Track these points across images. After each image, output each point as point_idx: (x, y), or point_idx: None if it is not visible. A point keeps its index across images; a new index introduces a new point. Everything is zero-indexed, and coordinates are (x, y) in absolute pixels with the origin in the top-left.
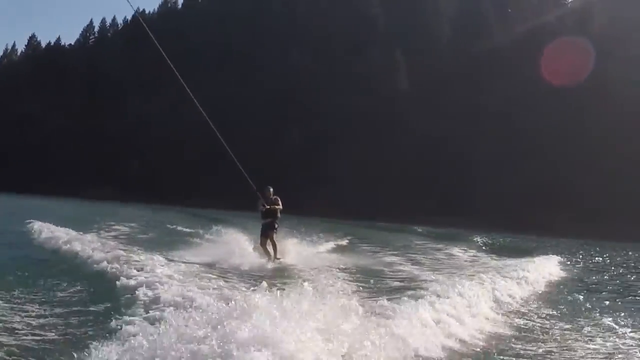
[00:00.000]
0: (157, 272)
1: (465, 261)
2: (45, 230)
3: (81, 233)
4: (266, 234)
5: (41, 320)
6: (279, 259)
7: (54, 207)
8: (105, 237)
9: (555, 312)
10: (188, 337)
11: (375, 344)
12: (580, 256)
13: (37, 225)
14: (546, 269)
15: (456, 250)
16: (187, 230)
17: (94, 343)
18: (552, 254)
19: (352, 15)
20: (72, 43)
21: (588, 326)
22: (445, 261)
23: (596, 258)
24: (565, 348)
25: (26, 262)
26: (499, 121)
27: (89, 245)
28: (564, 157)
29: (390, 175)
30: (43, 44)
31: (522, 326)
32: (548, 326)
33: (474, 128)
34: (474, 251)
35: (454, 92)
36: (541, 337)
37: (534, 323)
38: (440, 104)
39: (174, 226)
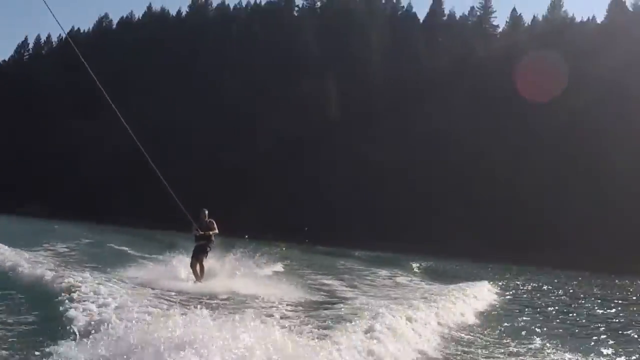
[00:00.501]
0: (91, 291)
1: (404, 286)
2: None
3: (18, 249)
4: (197, 256)
5: None
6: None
7: None
8: (44, 254)
9: (490, 336)
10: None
11: None
12: (506, 281)
13: None
14: (479, 293)
15: (395, 276)
16: (128, 250)
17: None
18: (481, 279)
19: (284, 44)
20: (6, 59)
21: (519, 347)
22: (386, 286)
23: (522, 283)
24: None
25: None
26: (428, 147)
27: (25, 262)
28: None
29: (324, 200)
30: None
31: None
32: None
33: (406, 154)
34: (411, 276)
35: (386, 119)
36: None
37: (469, 346)
38: (372, 131)
39: (113, 245)
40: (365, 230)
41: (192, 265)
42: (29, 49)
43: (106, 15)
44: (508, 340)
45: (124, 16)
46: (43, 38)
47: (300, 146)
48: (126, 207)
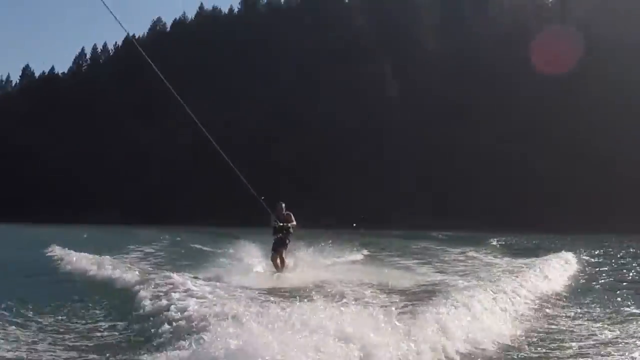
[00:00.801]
0: (188, 291)
1: (486, 264)
2: (68, 256)
3: (105, 256)
4: (277, 249)
5: (80, 347)
6: (288, 269)
7: (64, 233)
8: (129, 259)
9: (580, 309)
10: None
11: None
12: (591, 251)
13: (58, 250)
14: (562, 266)
15: (476, 253)
16: (206, 249)
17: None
18: (564, 251)
19: (337, 28)
20: (65, 71)
21: (614, 319)
22: (467, 264)
23: (607, 251)
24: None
25: (56, 289)
26: (491, 121)
27: (117, 268)
28: (559, 154)
29: (390, 182)
30: (36, 74)
31: (550, 326)
32: (577, 324)
33: (466, 129)
34: (493, 253)
35: (444, 96)
36: (569, 336)
37: (560, 322)
38: (430, 108)
39: (196, 245)
40: (431, 210)
41: (273, 259)
42: (86, 60)
43: (159, 19)
44: (594, 311)
45: (177, 18)
46: (99, 48)
47: (361, 131)
48: (190, 208)
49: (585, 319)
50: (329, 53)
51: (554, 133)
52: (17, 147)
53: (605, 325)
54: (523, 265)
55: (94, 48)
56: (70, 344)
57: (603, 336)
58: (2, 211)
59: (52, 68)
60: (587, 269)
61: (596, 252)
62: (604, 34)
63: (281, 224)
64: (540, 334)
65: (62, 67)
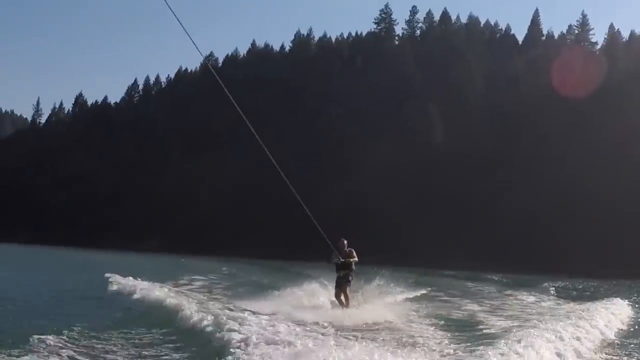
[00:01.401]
0: (250, 324)
1: (543, 307)
2: (127, 284)
3: (161, 285)
4: (340, 286)
5: None
6: (352, 305)
7: (118, 260)
8: (186, 288)
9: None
10: None
11: None
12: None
13: (117, 278)
14: (616, 312)
15: (527, 296)
16: (264, 281)
17: None
18: (615, 297)
19: (387, 73)
20: (117, 101)
21: None
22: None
23: None
24: None
25: (121, 317)
26: (530, 170)
27: (178, 298)
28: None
29: (436, 226)
30: (89, 102)
31: None
32: None
33: (507, 179)
34: (548, 297)
35: (487, 145)
36: None
37: None
38: (474, 156)
39: (253, 278)
40: (473, 253)
41: (337, 296)
42: (139, 91)
43: (211, 54)
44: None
45: (229, 54)
46: (152, 79)
47: (407, 175)
48: (237, 240)
49: None
50: (377, 96)
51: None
52: (69, 172)
53: None
54: (575, 309)
55: (147, 79)
56: None
57: None
58: (51, 234)
59: (106, 97)
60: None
61: None
62: None
63: (343, 260)
64: None
65: (114, 97)
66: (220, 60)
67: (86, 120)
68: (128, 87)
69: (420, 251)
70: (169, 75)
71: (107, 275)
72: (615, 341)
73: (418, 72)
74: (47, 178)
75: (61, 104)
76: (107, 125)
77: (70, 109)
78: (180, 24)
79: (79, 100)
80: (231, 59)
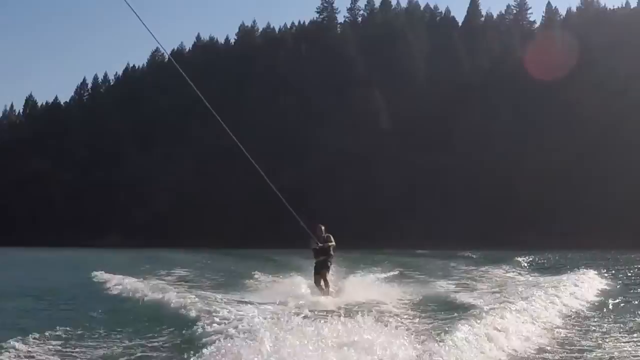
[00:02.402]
0: (232, 313)
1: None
2: (115, 281)
3: (143, 279)
4: (319, 272)
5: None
6: (331, 292)
7: (89, 257)
8: (168, 281)
9: (605, 324)
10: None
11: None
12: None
13: (103, 275)
14: (586, 283)
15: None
16: (239, 270)
17: None
18: (585, 268)
19: (331, 61)
20: (67, 101)
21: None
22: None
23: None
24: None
25: (112, 313)
26: (475, 148)
27: (160, 291)
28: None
29: (385, 207)
30: (39, 103)
31: (574, 339)
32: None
33: (455, 158)
34: (519, 270)
35: (432, 124)
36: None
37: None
38: (421, 138)
39: (231, 268)
40: (422, 231)
41: (316, 282)
42: (88, 89)
43: (158, 50)
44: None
45: (175, 48)
46: (100, 77)
47: (354, 158)
48: (199, 230)
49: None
50: (323, 82)
51: (553, 157)
52: (23, 173)
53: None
54: (546, 282)
55: (95, 77)
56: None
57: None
58: (6, 237)
59: (56, 98)
60: (611, 286)
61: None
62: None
63: (322, 245)
64: (569, 344)
65: (64, 96)
66: (166, 56)
67: (37, 121)
68: (77, 86)
69: (372, 234)
70: (117, 72)
71: (94, 273)
72: (579, 311)
73: (361, 58)
74: (1, 180)
75: (12, 106)
76: (59, 125)
77: (21, 110)
78: (140, 19)
79: (29, 101)
80: (177, 54)
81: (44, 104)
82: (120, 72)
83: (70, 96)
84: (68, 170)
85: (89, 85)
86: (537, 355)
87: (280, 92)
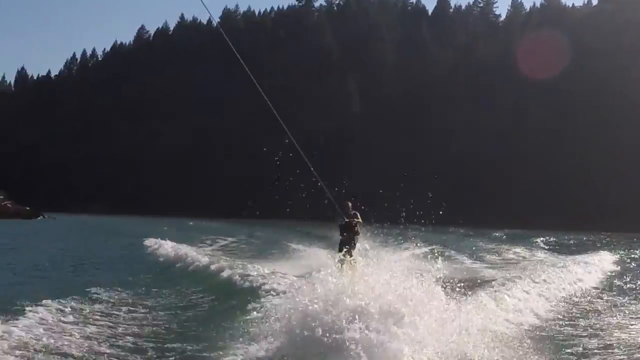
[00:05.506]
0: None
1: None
2: (165, 246)
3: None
4: (345, 248)
5: (186, 318)
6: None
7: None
8: (213, 249)
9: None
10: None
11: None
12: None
13: (154, 241)
14: (601, 264)
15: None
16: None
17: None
18: (601, 250)
19: (308, 46)
20: (57, 74)
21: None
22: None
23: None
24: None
25: (168, 273)
26: (441, 133)
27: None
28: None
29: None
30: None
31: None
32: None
33: (421, 141)
34: (535, 249)
35: (401, 112)
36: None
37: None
38: (388, 120)
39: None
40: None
41: (341, 261)
42: (77, 64)
43: (143, 27)
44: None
45: (160, 27)
46: (88, 53)
47: (325, 142)
48: (178, 201)
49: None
50: (300, 67)
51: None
52: (14, 143)
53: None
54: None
55: (84, 53)
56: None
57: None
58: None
59: (49, 72)
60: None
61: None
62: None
63: (348, 221)
64: (575, 317)
65: (54, 70)
66: (152, 34)
67: (29, 94)
68: (67, 61)
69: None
70: (104, 48)
71: (144, 239)
72: (592, 290)
73: (336, 45)
74: None
75: (4, 77)
76: (49, 98)
77: (13, 83)
78: None
79: (21, 74)
80: (162, 33)
81: (35, 77)
82: (108, 49)
83: (59, 70)
84: (58, 142)
85: (78, 60)
86: (535, 329)
87: (263, 75)
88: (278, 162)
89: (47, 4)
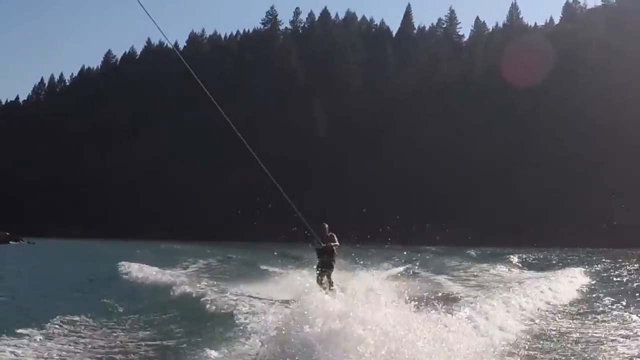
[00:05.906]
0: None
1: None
2: (140, 269)
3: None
4: (323, 271)
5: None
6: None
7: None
8: (188, 273)
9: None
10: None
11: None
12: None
13: (130, 266)
14: (574, 280)
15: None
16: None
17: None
18: (572, 267)
19: (273, 69)
20: (25, 99)
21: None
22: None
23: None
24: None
25: (143, 297)
26: (406, 153)
27: (177, 278)
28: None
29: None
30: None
31: (553, 329)
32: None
33: (385, 162)
34: (509, 268)
35: (365, 134)
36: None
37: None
38: (353, 142)
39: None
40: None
41: (318, 282)
42: (44, 89)
43: (110, 52)
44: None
45: (126, 52)
46: (56, 77)
47: (291, 165)
48: (147, 224)
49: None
50: (266, 91)
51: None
52: None
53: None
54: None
55: (51, 78)
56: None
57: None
58: None
59: (17, 97)
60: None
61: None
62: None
63: (325, 245)
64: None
65: (22, 95)
66: (119, 59)
67: None
68: (35, 86)
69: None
70: (72, 73)
71: (120, 263)
72: (558, 306)
73: (302, 68)
74: None
75: None
76: (18, 124)
77: None
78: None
79: None
80: (129, 57)
81: (3, 102)
82: (75, 73)
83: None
84: (27, 167)
85: (46, 85)
86: (510, 345)
87: (227, 98)
88: (258, 199)
89: (13, 30)
